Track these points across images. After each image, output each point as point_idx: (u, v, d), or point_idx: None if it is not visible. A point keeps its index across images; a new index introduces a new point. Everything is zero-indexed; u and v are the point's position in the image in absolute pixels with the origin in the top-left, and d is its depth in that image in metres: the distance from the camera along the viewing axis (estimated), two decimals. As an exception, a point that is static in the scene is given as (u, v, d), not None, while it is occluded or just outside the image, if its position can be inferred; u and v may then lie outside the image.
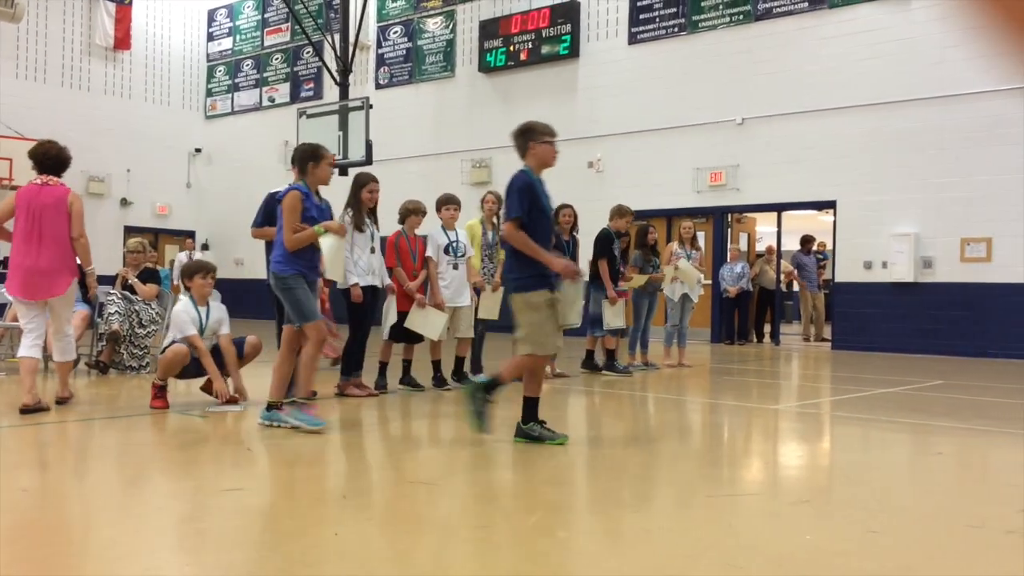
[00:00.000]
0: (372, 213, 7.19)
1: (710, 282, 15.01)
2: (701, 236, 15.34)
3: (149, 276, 8.99)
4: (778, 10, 14.46)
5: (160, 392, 6.26)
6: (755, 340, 15.66)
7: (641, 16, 15.97)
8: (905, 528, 3.41)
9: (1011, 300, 12.31)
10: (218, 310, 6.57)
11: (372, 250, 7.11)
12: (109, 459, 4.90)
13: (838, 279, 14.12)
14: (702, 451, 4.83)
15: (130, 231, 20.71)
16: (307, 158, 5.71)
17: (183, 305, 6.45)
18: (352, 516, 3.53)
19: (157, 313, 8.84)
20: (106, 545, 3.08)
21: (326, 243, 5.59)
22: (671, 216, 15.65)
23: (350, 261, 6.92)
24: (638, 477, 4.44)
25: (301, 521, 3.43)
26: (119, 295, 8.71)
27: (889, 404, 7.26)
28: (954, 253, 12.84)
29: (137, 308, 8.69)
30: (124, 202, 21.57)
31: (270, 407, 5.53)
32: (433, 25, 18.95)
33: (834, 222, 14.14)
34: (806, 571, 2.89)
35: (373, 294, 7.16)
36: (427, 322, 7.48)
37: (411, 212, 7.58)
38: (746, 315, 15.44)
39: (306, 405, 5.56)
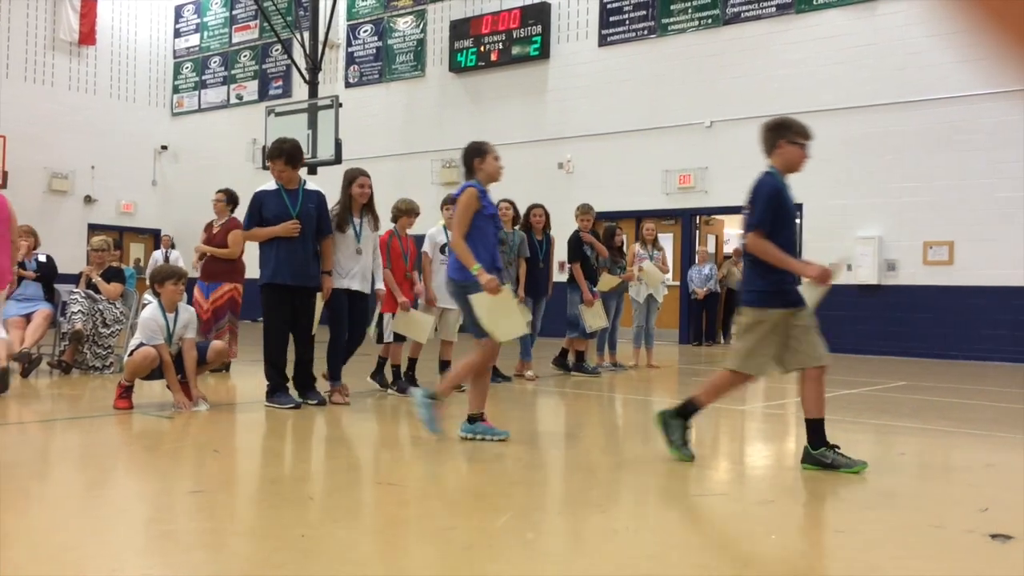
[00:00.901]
0: (369, 210, 6.78)
1: (677, 283, 15.12)
2: (669, 237, 15.47)
3: (113, 275, 8.87)
4: (746, 15, 14.60)
5: (125, 392, 6.15)
6: (723, 341, 15.79)
7: (611, 19, 16.05)
8: (869, 528, 3.45)
9: (972, 303, 12.53)
10: (185, 311, 6.43)
11: (358, 251, 6.66)
12: (72, 460, 4.82)
13: (804, 281, 14.25)
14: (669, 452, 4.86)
15: (94, 229, 20.40)
16: (472, 155, 5.24)
17: (151, 312, 6.26)
18: (319, 518, 3.51)
19: (121, 312, 8.73)
20: (68, 547, 3.03)
21: (477, 298, 5.04)
22: (640, 217, 15.70)
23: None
24: (606, 478, 4.46)
25: (267, 522, 3.41)
26: (82, 294, 8.59)
27: (854, 405, 7.35)
28: (917, 256, 13.04)
29: (101, 307, 8.57)
30: (88, 199, 21.25)
31: (471, 419, 5.20)
32: (403, 24, 18.89)
33: (800, 225, 14.29)
34: (772, 570, 2.92)
35: (350, 299, 6.67)
36: (413, 325, 7.34)
37: (403, 212, 7.42)
38: (714, 316, 15.56)
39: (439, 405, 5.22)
